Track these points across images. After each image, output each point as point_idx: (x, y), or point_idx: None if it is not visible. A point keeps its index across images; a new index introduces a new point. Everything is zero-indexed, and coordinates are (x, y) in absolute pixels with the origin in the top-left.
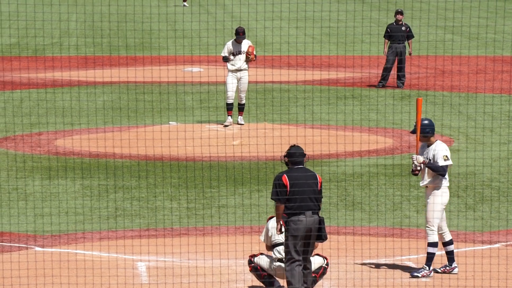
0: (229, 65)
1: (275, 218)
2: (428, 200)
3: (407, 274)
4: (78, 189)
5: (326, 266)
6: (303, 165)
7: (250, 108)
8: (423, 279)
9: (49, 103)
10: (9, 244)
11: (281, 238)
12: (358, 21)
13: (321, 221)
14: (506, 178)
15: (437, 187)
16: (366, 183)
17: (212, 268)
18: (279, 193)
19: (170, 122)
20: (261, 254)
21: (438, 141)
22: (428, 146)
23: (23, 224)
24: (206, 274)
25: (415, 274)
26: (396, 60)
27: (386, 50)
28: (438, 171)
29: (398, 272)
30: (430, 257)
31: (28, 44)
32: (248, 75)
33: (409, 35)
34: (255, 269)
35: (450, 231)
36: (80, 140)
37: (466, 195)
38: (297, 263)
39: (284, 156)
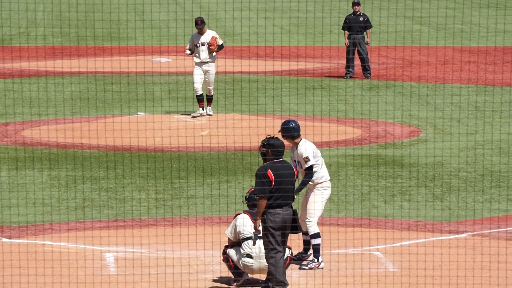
0: (195, 58)
1: (243, 214)
2: (310, 195)
3: (375, 264)
4: (45, 180)
5: (291, 256)
6: (282, 157)
7: (218, 99)
8: (391, 269)
9: (16, 94)
10: None
11: (249, 232)
12: (326, 11)
13: (294, 213)
14: (473, 168)
15: (318, 184)
16: (335, 174)
17: (181, 259)
18: (265, 189)
19: (138, 113)
20: (233, 246)
21: (302, 141)
22: (296, 147)
23: None
24: (174, 265)
25: (303, 267)
26: (356, 51)
27: (347, 41)
28: (308, 179)
29: (366, 263)
30: (316, 249)
31: None
32: (217, 66)
33: (367, 26)
34: (227, 260)
35: (417, 221)
36: (47, 131)
37: (433, 185)
38: (279, 254)
39: (263, 147)
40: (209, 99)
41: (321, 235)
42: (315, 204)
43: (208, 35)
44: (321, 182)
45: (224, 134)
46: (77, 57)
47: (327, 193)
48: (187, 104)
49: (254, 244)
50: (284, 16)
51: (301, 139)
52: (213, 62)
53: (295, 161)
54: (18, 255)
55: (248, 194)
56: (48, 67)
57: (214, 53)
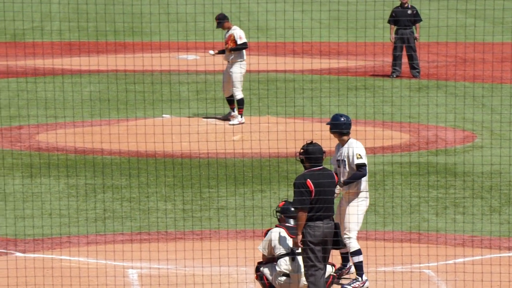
0: None
1: (278, 228)
2: (346, 207)
3: (426, 284)
4: (62, 189)
5: (335, 274)
6: (322, 164)
7: (251, 100)
8: None
9: (30, 94)
10: None
11: (286, 248)
12: (370, 3)
13: (336, 226)
14: None
15: (354, 193)
16: (380, 183)
17: (211, 277)
18: (305, 200)
19: (163, 115)
20: (268, 262)
21: (352, 140)
22: (342, 145)
23: (2, 227)
24: (204, 283)
25: (346, 286)
26: (404, 48)
27: (393, 36)
28: (357, 178)
29: (415, 282)
30: (359, 266)
31: (6, 28)
32: (244, 66)
33: (416, 19)
34: (261, 278)
35: (472, 236)
36: (64, 135)
37: (490, 197)
38: (320, 271)
39: (301, 154)
40: (231, 102)
41: (362, 251)
42: (351, 217)
43: (232, 33)
44: (358, 192)
45: (258, 139)
46: (96, 53)
47: (364, 204)
48: (217, 106)
49: (293, 260)
50: (323, 9)
51: (350, 137)
52: (236, 62)
53: (338, 160)
54: (33, 271)
55: (279, 207)
56: (64, 65)
57: (233, 54)
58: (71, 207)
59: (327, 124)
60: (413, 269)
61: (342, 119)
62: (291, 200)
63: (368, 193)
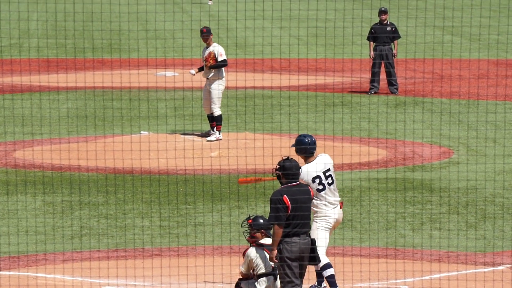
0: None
1: (253, 248)
2: (313, 223)
3: None
4: (39, 206)
5: None
6: (298, 180)
7: (229, 116)
8: None
9: (7, 111)
10: None
11: (266, 268)
12: (348, 20)
13: (313, 242)
14: (511, 193)
15: (320, 210)
16: (357, 199)
17: None
18: (281, 216)
19: (141, 132)
20: (248, 279)
21: (315, 160)
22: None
23: None
24: None
25: None
26: (383, 64)
27: (372, 52)
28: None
29: None
30: (331, 281)
31: None
32: (222, 83)
33: (394, 36)
34: None
35: (449, 252)
36: (41, 152)
37: (467, 212)
38: (297, 287)
39: (277, 170)
40: (210, 119)
41: (338, 267)
42: (319, 232)
43: (213, 50)
44: (323, 209)
45: (236, 155)
46: (74, 70)
47: (330, 221)
48: (195, 123)
49: (274, 280)
50: (301, 25)
51: (317, 155)
52: (216, 79)
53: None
54: None
55: (246, 222)
56: (42, 82)
57: (212, 71)
58: (48, 224)
59: (292, 146)
60: (390, 285)
61: (306, 139)
62: (260, 216)
63: (331, 209)
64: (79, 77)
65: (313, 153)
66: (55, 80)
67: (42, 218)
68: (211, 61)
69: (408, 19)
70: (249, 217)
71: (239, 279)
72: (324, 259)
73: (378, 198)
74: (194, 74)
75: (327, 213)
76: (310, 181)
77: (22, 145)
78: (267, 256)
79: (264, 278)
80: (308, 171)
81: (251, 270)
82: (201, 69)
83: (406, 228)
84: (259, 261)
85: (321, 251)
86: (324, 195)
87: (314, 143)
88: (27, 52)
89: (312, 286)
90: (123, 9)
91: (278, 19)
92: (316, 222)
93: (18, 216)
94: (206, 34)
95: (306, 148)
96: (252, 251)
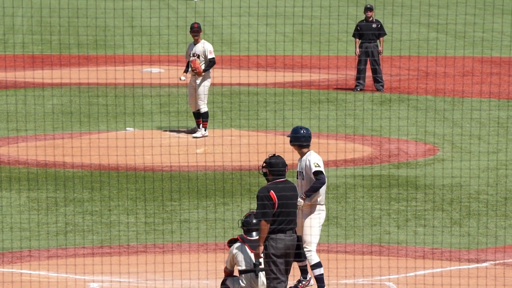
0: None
1: (237, 244)
2: (306, 219)
3: None
4: (24, 202)
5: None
6: (285, 176)
7: (215, 113)
8: None
9: None
10: None
11: (247, 264)
12: (334, 17)
13: (298, 239)
14: (495, 190)
15: (315, 205)
16: (343, 196)
17: None
18: (268, 212)
19: (127, 128)
20: (234, 276)
21: (311, 151)
22: (301, 157)
23: None
24: None
25: None
26: (369, 61)
27: (357, 49)
28: (319, 185)
29: None
30: (320, 279)
31: None
32: (210, 79)
33: (380, 33)
34: None
35: (433, 248)
36: (26, 148)
37: (451, 209)
38: (283, 284)
39: (264, 167)
40: (197, 116)
41: (323, 264)
42: (313, 229)
43: (200, 47)
44: (316, 204)
45: (221, 152)
46: (60, 67)
47: (321, 217)
48: (180, 119)
49: (256, 276)
50: (287, 22)
51: (310, 150)
52: (202, 76)
53: (297, 172)
54: None
55: (244, 218)
56: (27, 78)
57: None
58: (33, 221)
59: (287, 136)
60: (374, 281)
61: (302, 131)
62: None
63: (325, 206)
64: (64, 73)
65: (308, 145)
66: (40, 76)
67: (27, 214)
68: (201, 69)
69: (393, 16)
70: (252, 211)
71: (225, 277)
72: (315, 258)
73: (363, 195)
74: (184, 80)
75: (321, 208)
76: (322, 168)
77: (7, 141)
78: (249, 252)
79: (246, 275)
80: (320, 159)
81: (233, 266)
82: (186, 68)
83: (391, 225)
84: (240, 257)
85: (313, 248)
86: (322, 189)
87: (310, 135)
88: (12, 48)
89: (298, 280)
90: (109, 5)
91: (264, 16)
92: (310, 218)
93: (2, 212)
94: (197, 30)
95: (301, 138)
96: (234, 247)
